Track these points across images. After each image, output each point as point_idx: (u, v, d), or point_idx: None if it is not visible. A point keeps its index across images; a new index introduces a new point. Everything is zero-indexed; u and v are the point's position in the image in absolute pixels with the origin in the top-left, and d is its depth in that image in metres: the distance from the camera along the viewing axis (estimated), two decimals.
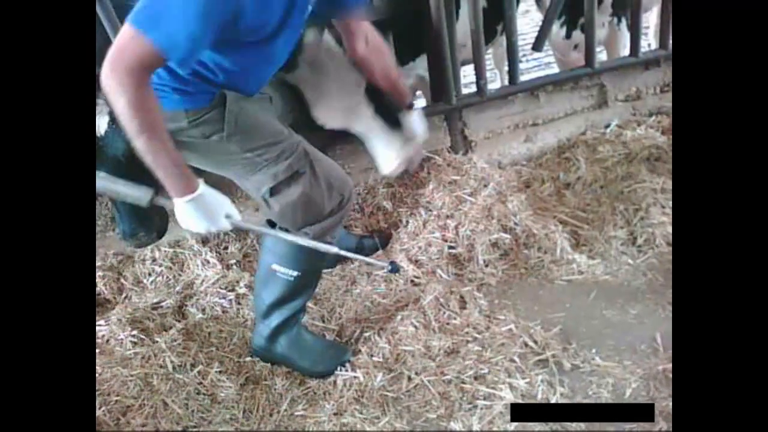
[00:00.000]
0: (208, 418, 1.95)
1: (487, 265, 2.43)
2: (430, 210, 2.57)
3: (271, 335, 2.09)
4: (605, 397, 1.87)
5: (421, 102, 3.25)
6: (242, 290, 2.39)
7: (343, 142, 2.61)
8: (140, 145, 1.51)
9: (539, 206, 2.68)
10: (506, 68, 3.55)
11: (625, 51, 3.16)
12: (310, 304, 2.33)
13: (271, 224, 2.01)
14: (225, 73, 1.71)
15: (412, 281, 2.39)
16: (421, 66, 2.80)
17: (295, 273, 1.99)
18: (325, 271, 2.52)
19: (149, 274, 2.52)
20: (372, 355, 2.10)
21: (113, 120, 1.90)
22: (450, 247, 2.45)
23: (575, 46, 3.17)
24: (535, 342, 2.06)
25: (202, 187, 1.64)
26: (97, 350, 2.12)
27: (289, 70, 2.17)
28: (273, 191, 1.86)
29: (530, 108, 3.03)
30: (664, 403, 1.78)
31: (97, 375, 1.98)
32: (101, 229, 2.58)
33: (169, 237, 2.56)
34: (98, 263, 2.54)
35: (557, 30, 3.14)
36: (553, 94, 3.05)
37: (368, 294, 2.39)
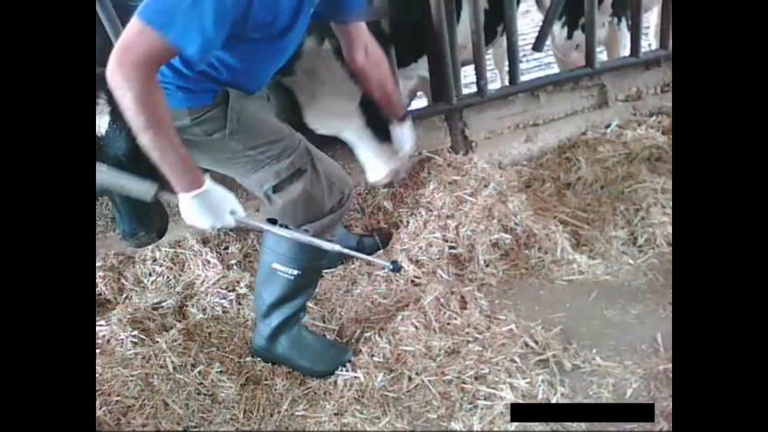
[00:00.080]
0: (209, 418, 1.95)
1: (487, 265, 2.43)
2: (431, 210, 2.57)
3: (272, 335, 2.09)
4: (606, 397, 1.86)
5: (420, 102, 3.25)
6: (243, 290, 2.39)
7: (343, 141, 2.61)
8: (146, 140, 1.51)
9: (540, 206, 2.68)
10: (506, 68, 3.55)
11: (626, 51, 3.16)
12: (310, 304, 2.34)
13: (272, 222, 2.02)
14: (229, 71, 1.71)
15: (412, 281, 2.39)
16: (422, 67, 2.80)
17: (296, 272, 2.00)
18: (326, 271, 2.53)
19: (150, 274, 2.52)
20: (372, 356, 2.10)
21: (114, 120, 1.91)
22: (450, 247, 2.45)
23: (576, 46, 3.17)
24: (536, 342, 2.06)
25: (208, 183, 1.64)
26: (97, 350, 2.12)
27: (286, 74, 2.18)
28: (275, 189, 1.87)
29: (531, 108, 3.03)
30: (665, 404, 1.78)
31: (97, 375, 1.98)
32: (102, 230, 2.58)
33: (169, 237, 2.56)
34: (99, 263, 2.54)
35: (559, 31, 3.14)
36: (554, 95, 3.05)
37: (369, 294, 2.39)
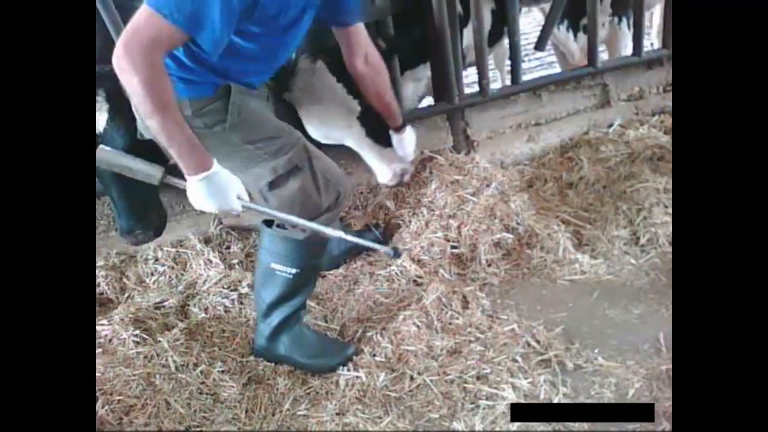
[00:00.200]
0: (211, 417, 1.95)
1: (489, 265, 2.43)
2: (433, 210, 2.57)
3: (273, 334, 2.09)
4: (608, 397, 1.86)
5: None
6: (245, 290, 2.39)
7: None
8: (155, 123, 1.52)
9: (542, 206, 2.68)
10: (507, 68, 3.55)
11: (627, 51, 3.15)
12: (312, 303, 2.34)
13: (269, 224, 2.03)
14: (231, 63, 1.71)
15: (414, 281, 2.39)
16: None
17: (294, 270, 2.01)
18: (327, 271, 2.53)
19: (152, 274, 2.53)
20: (374, 355, 2.10)
21: (112, 117, 1.91)
22: (452, 247, 2.45)
23: (581, 48, 3.18)
24: (538, 342, 2.06)
25: (216, 166, 1.65)
26: (99, 350, 2.12)
27: (285, 90, 2.21)
28: (272, 185, 1.88)
29: (533, 108, 3.03)
30: (667, 404, 1.78)
31: (99, 374, 1.98)
32: (104, 229, 2.59)
33: (171, 237, 2.57)
34: (101, 263, 2.54)
35: (566, 35, 3.15)
36: (556, 94, 3.05)
37: (370, 294, 2.39)
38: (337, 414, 1.92)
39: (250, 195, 1.82)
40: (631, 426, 1.74)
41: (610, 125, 3.11)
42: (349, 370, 2.06)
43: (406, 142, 2.38)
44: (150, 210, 2.12)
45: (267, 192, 1.89)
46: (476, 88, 2.87)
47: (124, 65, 1.44)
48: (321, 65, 2.22)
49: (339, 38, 2.04)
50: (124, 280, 2.52)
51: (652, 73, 3.17)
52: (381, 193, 2.77)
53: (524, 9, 3.41)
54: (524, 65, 3.53)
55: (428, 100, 3.03)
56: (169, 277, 2.51)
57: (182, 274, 2.51)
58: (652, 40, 4.13)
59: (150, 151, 1.82)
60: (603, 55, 3.20)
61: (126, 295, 2.47)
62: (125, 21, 1.50)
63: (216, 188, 1.65)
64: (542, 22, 3.12)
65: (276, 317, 2.08)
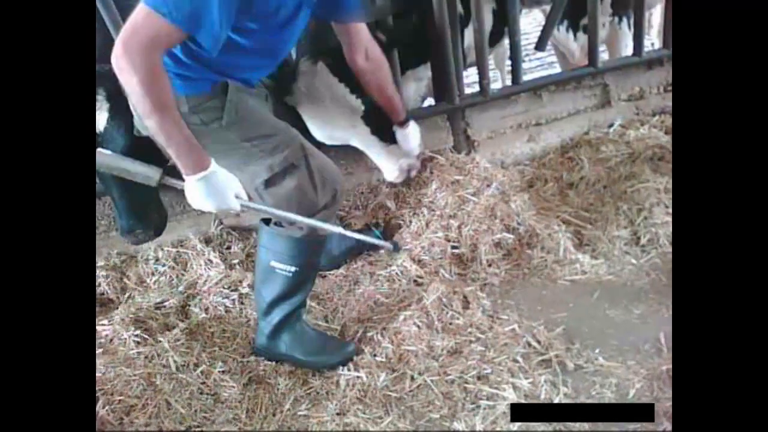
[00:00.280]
0: (211, 417, 1.95)
1: (490, 265, 2.43)
2: (433, 210, 2.57)
3: (273, 332, 2.10)
4: (608, 397, 1.86)
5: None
6: (245, 290, 2.40)
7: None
8: (153, 123, 1.53)
9: (542, 206, 2.68)
10: (507, 68, 3.55)
11: (627, 50, 3.15)
12: (313, 303, 2.34)
13: (267, 222, 2.03)
14: (228, 60, 1.71)
15: (415, 281, 2.39)
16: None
17: (293, 268, 2.01)
18: (328, 272, 2.53)
19: (152, 274, 2.53)
20: (375, 355, 2.10)
21: (113, 116, 1.92)
22: (453, 247, 2.45)
23: (581, 47, 3.18)
24: (539, 342, 2.06)
25: (214, 166, 1.65)
26: (100, 350, 2.12)
27: (287, 94, 2.21)
28: (268, 183, 1.88)
29: (533, 108, 3.03)
30: (668, 404, 1.77)
31: (100, 374, 1.99)
32: (105, 229, 2.59)
33: (172, 237, 2.58)
34: (102, 263, 2.54)
35: (566, 36, 3.15)
36: (556, 94, 3.05)
37: (371, 294, 2.39)
38: (337, 414, 1.92)
39: (248, 194, 1.82)
40: (631, 426, 1.74)
41: (611, 125, 3.11)
42: (349, 370, 2.06)
43: (411, 136, 2.39)
44: (150, 209, 2.12)
45: (263, 190, 1.89)
46: (477, 88, 2.87)
47: (123, 65, 1.44)
48: (322, 67, 2.23)
49: (339, 35, 2.04)
50: (125, 280, 2.52)
51: (652, 73, 3.17)
52: (381, 193, 2.77)
53: (525, 9, 3.41)
54: (525, 65, 3.53)
55: (429, 101, 3.04)
56: (170, 277, 2.51)
57: (183, 274, 2.51)
58: (653, 40, 4.13)
59: (148, 147, 1.83)
60: (603, 55, 3.20)
61: (127, 295, 2.47)
62: (125, 20, 1.50)
63: (214, 188, 1.65)
64: (543, 23, 3.12)
65: (276, 315, 2.08)
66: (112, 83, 1.77)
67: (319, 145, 2.22)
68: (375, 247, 2.57)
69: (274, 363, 2.14)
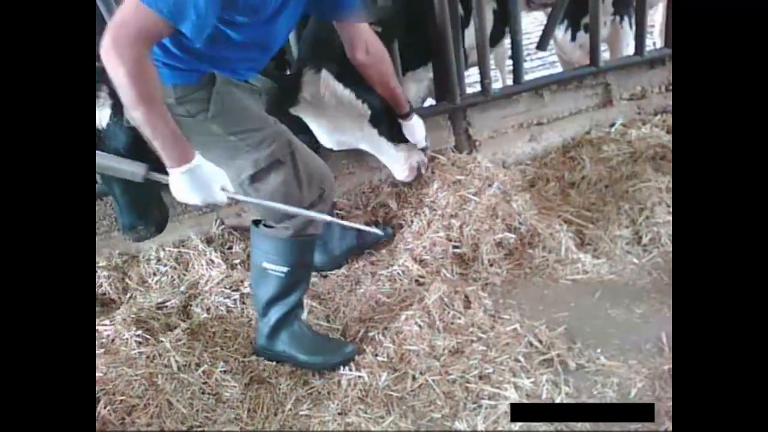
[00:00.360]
0: (213, 417, 1.95)
1: (491, 265, 2.43)
2: (435, 209, 2.57)
3: (272, 332, 2.10)
4: (610, 396, 1.86)
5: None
6: (247, 290, 2.39)
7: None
8: (139, 115, 1.53)
9: (544, 206, 2.68)
10: (508, 67, 3.54)
11: (629, 50, 3.15)
12: (314, 303, 2.34)
13: (256, 224, 2.03)
14: (218, 52, 1.72)
15: (416, 281, 2.39)
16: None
17: (285, 269, 2.01)
18: (329, 272, 2.53)
19: (154, 274, 2.53)
20: (376, 355, 2.10)
21: (115, 113, 1.92)
22: (455, 247, 2.45)
23: (579, 46, 3.17)
24: (540, 341, 2.05)
25: (198, 158, 1.65)
26: (102, 350, 2.13)
27: (291, 105, 2.21)
28: (253, 179, 1.87)
29: (535, 107, 3.03)
30: (669, 403, 1.77)
31: (102, 374, 1.99)
32: (106, 229, 2.59)
33: (173, 237, 2.58)
34: (103, 263, 2.54)
35: (562, 35, 3.14)
36: (558, 94, 3.05)
37: (372, 294, 2.39)
38: (339, 414, 1.92)
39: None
40: (633, 426, 1.74)
41: (613, 125, 3.11)
42: (351, 369, 2.06)
43: (416, 128, 2.39)
44: (152, 206, 2.13)
45: (248, 186, 1.87)
46: (478, 88, 2.86)
47: (111, 56, 1.45)
48: (326, 74, 2.23)
49: (339, 31, 2.04)
50: (127, 280, 2.52)
51: (654, 72, 3.16)
52: (383, 193, 2.77)
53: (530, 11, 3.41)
54: (526, 65, 3.53)
55: (429, 101, 3.04)
56: (172, 277, 2.51)
57: (184, 275, 2.51)
58: (655, 39, 4.13)
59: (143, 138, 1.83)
60: (605, 55, 3.20)
61: (128, 295, 2.47)
62: None
63: (199, 180, 1.65)
64: (544, 22, 3.12)
65: (273, 315, 2.08)
66: None
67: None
68: (372, 243, 2.57)
69: (275, 363, 2.14)
